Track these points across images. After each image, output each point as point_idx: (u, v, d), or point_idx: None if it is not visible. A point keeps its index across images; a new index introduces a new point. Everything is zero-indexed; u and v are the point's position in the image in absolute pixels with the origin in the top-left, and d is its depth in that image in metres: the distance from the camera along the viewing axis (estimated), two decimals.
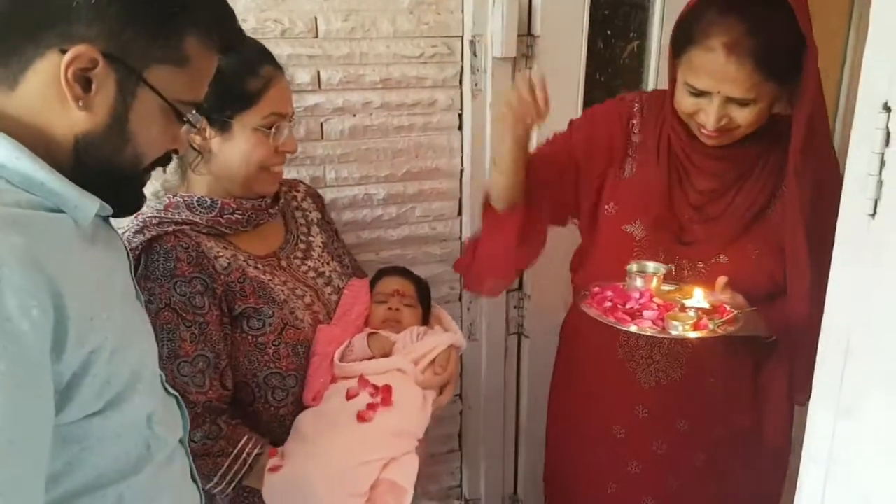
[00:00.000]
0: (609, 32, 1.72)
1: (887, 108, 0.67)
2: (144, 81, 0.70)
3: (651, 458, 1.39)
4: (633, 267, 1.21)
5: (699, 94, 1.14)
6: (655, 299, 1.17)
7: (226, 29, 0.76)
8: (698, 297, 1.18)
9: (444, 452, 1.90)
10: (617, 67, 1.76)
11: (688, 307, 1.16)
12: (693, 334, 1.12)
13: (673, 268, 1.24)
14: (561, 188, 1.35)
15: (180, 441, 0.87)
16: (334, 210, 1.58)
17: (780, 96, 1.15)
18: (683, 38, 1.14)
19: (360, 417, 1.12)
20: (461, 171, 1.67)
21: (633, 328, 1.14)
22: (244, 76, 1.10)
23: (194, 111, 0.77)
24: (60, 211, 0.68)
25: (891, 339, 0.68)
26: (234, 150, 1.13)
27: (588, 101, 1.69)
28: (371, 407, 1.13)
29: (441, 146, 1.64)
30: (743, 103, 1.13)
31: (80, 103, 0.67)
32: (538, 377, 1.89)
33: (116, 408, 0.71)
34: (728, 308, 1.16)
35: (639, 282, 1.19)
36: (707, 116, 1.14)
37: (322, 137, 1.52)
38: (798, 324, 1.18)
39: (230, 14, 0.77)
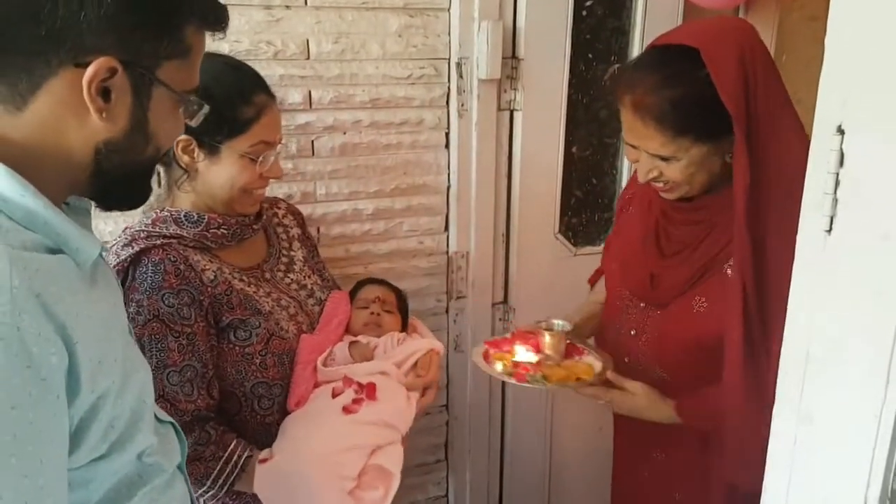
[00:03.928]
0: (590, 55, 1.77)
1: (841, 131, 0.71)
2: (159, 81, 0.69)
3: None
4: (543, 324, 1.33)
5: (632, 146, 1.16)
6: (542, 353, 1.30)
7: (218, 10, 0.75)
8: (521, 352, 1.30)
9: (430, 463, 1.93)
10: (598, 89, 1.81)
11: (518, 362, 1.28)
12: (502, 377, 1.25)
13: (571, 326, 1.32)
14: None
15: (178, 467, 0.86)
16: (324, 224, 1.62)
17: (714, 151, 1.11)
18: (614, 98, 1.16)
19: (346, 410, 1.16)
20: (448, 187, 1.72)
21: (482, 365, 1.29)
22: (237, 104, 1.13)
23: (194, 96, 0.76)
24: (61, 251, 0.66)
25: (846, 349, 0.72)
26: (220, 172, 1.17)
27: (570, 122, 1.75)
28: (356, 401, 1.16)
29: (428, 163, 1.69)
30: (665, 159, 1.12)
31: (104, 115, 0.66)
32: (522, 388, 1.92)
33: (120, 449, 0.71)
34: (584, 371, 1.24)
35: (541, 337, 1.31)
36: (639, 169, 1.17)
37: (313, 154, 1.57)
38: (730, 409, 1.12)
39: None
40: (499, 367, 1.26)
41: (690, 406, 1.21)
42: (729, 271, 1.16)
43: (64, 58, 0.64)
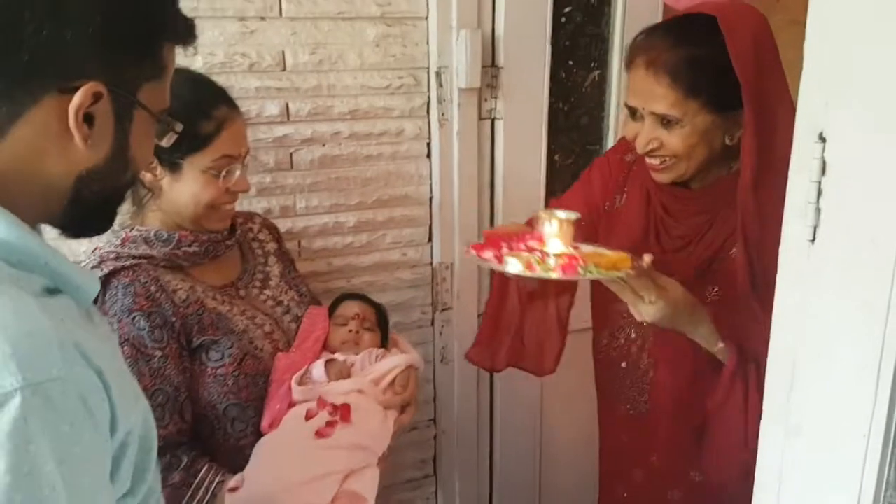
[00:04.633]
0: (571, 63, 1.76)
1: (822, 139, 0.70)
2: (139, 103, 0.67)
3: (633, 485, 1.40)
4: (543, 214, 1.10)
5: (634, 115, 1.15)
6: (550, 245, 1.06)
7: (190, 24, 0.72)
8: (552, 243, 1.06)
9: (419, 478, 1.90)
10: (579, 97, 1.80)
11: (549, 253, 1.03)
12: (525, 272, 0.99)
13: (580, 216, 1.10)
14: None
15: None
16: (305, 238, 1.60)
17: (718, 124, 1.11)
18: (625, 64, 1.17)
19: (319, 434, 1.12)
20: (430, 198, 1.70)
21: (478, 260, 1.05)
22: (196, 118, 1.10)
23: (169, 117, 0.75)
24: (58, 291, 0.63)
25: (832, 360, 0.71)
26: (184, 189, 1.14)
27: (552, 130, 1.74)
28: (330, 424, 1.13)
29: (410, 174, 1.67)
30: (669, 124, 1.10)
31: (89, 142, 0.63)
32: (511, 400, 1.91)
33: (141, 481, 0.70)
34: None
35: (546, 227, 1.07)
36: (639, 139, 1.14)
37: (292, 167, 1.54)
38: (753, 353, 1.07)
39: (182, 12, 0.73)
40: (517, 264, 1.00)
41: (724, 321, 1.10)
42: (736, 255, 1.14)
43: (48, 84, 0.61)
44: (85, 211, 0.68)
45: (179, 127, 0.75)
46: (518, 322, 1.38)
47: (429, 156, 1.67)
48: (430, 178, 1.69)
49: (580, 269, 0.98)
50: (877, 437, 0.69)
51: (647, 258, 1.03)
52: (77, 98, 0.61)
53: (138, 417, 0.69)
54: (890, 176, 0.64)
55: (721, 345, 1.10)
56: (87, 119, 0.63)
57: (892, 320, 0.65)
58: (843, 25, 0.66)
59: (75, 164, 0.65)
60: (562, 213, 1.06)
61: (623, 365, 1.29)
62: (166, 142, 0.76)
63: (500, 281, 1.38)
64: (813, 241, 0.72)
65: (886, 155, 0.64)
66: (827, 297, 0.71)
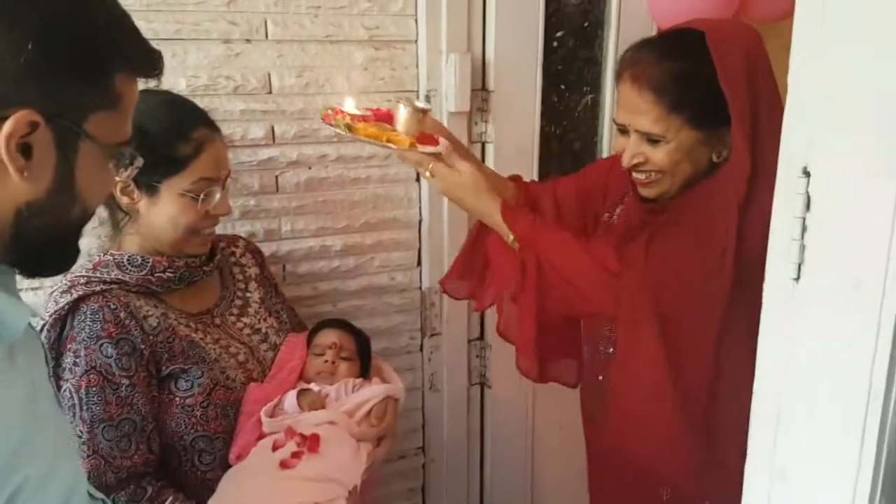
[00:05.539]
0: (563, 86, 1.75)
1: (807, 173, 0.68)
2: (86, 134, 0.64)
3: None
4: (403, 100, 1.18)
5: (622, 131, 1.15)
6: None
7: (152, 55, 0.70)
8: (348, 104, 1.17)
9: None
10: (572, 120, 1.78)
11: (345, 111, 1.14)
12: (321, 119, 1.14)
13: (430, 109, 1.22)
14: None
15: None
16: (290, 262, 1.58)
17: (703, 141, 1.10)
18: (615, 78, 1.17)
19: (283, 465, 1.08)
20: (419, 221, 1.68)
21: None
22: (173, 140, 1.09)
23: (129, 150, 0.71)
24: None
25: (819, 402, 0.69)
26: (161, 213, 1.12)
27: (543, 154, 1.72)
28: (296, 455, 1.09)
29: (399, 197, 1.65)
30: (654, 140, 1.10)
31: (25, 174, 0.60)
32: (501, 428, 1.87)
33: None
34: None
35: (400, 110, 1.15)
36: (625, 155, 1.14)
37: (277, 190, 1.52)
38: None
39: (145, 39, 0.71)
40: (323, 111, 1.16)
41: (519, 216, 1.17)
42: None
43: None
44: (31, 247, 0.65)
45: (140, 161, 0.72)
46: (483, 264, 1.36)
47: (418, 179, 1.65)
48: (420, 202, 1.67)
49: (333, 121, 1.13)
50: (865, 480, 0.66)
51: (442, 142, 1.15)
52: (7, 127, 0.58)
53: (52, 478, 0.64)
54: (876, 211, 0.61)
55: (511, 237, 1.18)
56: (25, 150, 0.60)
57: (878, 360, 0.63)
58: (827, 58, 0.64)
59: (13, 198, 0.61)
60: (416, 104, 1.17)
61: (600, 378, 1.28)
62: (127, 175, 0.73)
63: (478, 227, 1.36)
64: (797, 279, 0.70)
65: (872, 189, 0.61)
66: (812, 338, 0.69)
